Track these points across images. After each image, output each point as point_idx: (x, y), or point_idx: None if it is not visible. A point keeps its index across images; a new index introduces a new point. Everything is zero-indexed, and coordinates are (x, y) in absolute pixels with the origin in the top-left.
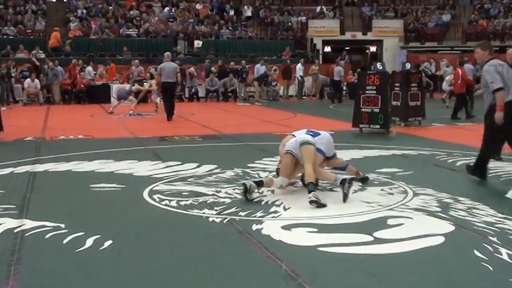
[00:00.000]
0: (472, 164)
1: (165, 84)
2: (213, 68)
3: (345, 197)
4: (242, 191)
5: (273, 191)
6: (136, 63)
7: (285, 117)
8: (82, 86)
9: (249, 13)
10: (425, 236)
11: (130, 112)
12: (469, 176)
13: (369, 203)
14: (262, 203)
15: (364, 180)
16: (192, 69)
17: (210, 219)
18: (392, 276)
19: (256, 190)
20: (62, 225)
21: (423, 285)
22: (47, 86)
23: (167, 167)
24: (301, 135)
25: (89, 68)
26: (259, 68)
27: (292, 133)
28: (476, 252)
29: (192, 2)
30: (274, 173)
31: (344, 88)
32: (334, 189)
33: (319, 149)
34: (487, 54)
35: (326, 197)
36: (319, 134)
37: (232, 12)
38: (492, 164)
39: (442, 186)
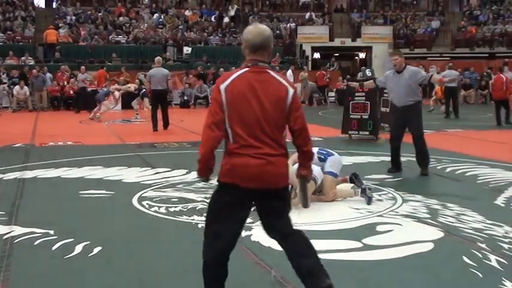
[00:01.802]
0: None
1: (155, 92)
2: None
3: (370, 201)
4: None
5: None
6: (82, 69)
7: None
8: (72, 92)
9: (232, 13)
10: (415, 242)
11: (97, 115)
12: (458, 182)
13: (358, 209)
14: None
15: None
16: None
17: (200, 225)
18: (382, 282)
19: None
20: (51, 232)
21: None
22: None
23: (156, 173)
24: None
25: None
26: None
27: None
28: (465, 259)
29: (181, 8)
30: None
31: (333, 94)
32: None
33: (331, 172)
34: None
35: (315, 204)
36: (332, 155)
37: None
38: (481, 171)
39: (431, 193)
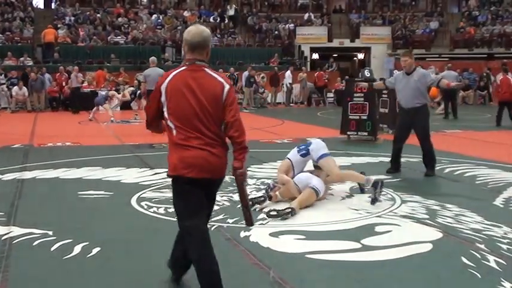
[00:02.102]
0: None
1: (149, 92)
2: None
3: (374, 202)
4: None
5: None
6: (75, 69)
7: (273, 124)
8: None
9: (231, 12)
10: (413, 243)
11: (112, 119)
12: (457, 183)
13: (356, 210)
14: (251, 210)
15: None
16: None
17: None
18: (380, 283)
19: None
20: (50, 233)
21: None
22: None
23: (155, 174)
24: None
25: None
26: (247, 75)
27: (288, 156)
28: (464, 259)
29: (179, 9)
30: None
31: (332, 95)
32: (325, 197)
33: (324, 154)
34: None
35: (314, 205)
36: (311, 144)
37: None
38: (480, 172)
39: (430, 193)
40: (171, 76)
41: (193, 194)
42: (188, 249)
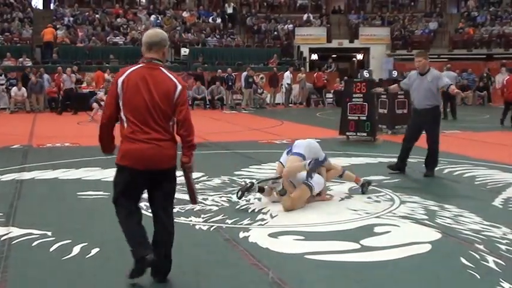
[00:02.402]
0: None
1: None
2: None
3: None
4: (245, 188)
5: (259, 199)
6: (68, 71)
7: (272, 124)
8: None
9: (230, 10)
10: (412, 243)
11: (90, 118)
12: (456, 183)
13: (355, 210)
14: (249, 210)
15: (366, 186)
16: None
17: (197, 227)
18: (379, 284)
19: (253, 193)
20: (49, 233)
21: None
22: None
23: None
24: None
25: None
26: (245, 76)
27: (279, 160)
28: (463, 260)
29: (178, 9)
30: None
31: (331, 95)
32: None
33: (298, 152)
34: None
35: (313, 205)
36: (293, 143)
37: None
38: (479, 172)
39: (429, 194)
40: (128, 71)
41: (133, 184)
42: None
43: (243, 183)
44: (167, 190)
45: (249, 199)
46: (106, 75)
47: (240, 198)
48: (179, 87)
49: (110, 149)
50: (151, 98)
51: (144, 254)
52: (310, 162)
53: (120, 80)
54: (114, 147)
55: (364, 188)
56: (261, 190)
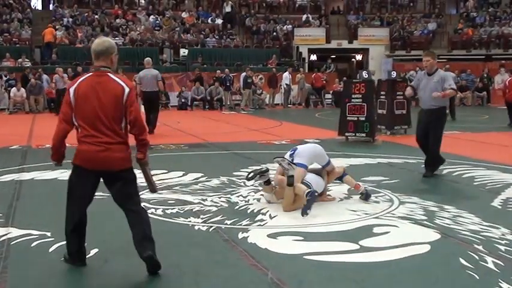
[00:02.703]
0: None
1: (146, 94)
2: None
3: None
4: (260, 171)
5: (258, 200)
6: (59, 71)
7: (271, 125)
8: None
9: (228, 9)
10: (411, 244)
11: None
12: (455, 184)
13: (354, 211)
14: (248, 211)
15: (366, 197)
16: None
17: (196, 227)
18: (378, 284)
19: (260, 180)
20: (48, 234)
21: None
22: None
23: (153, 175)
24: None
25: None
26: (244, 76)
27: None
28: (462, 261)
29: (177, 10)
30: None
31: (330, 96)
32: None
33: (301, 163)
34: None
35: (312, 206)
36: (296, 149)
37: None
38: (478, 173)
39: (428, 195)
40: (79, 80)
41: (84, 182)
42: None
43: (242, 183)
44: (125, 191)
45: (248, 199)
46: None
47: (249, 179)
48: (127, 89)
49: (59, 155)
50: (100, 104)
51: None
52: (309, 192)
53: (72, 89)
54: (63, 156)
55: (363, 197)
56: (268, 182)
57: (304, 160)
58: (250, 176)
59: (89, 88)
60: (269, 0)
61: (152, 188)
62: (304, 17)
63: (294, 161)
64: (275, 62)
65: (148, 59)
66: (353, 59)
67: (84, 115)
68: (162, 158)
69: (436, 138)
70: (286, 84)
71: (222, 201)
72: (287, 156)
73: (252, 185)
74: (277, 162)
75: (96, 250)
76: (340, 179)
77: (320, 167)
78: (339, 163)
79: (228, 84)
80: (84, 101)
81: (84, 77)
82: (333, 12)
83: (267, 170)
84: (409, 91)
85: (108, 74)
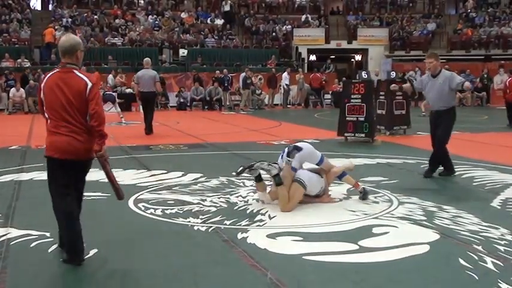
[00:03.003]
0: None
1: (144, 94)
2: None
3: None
4: (248, 165)
5: (258, 200)
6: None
7: (270, 125)
8: None
9: (227, 8)
10: (410, 244)
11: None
12: (454, 184)
13: (353, 211)
14: (248, 211)
15: (364, 196)
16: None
17: (195, 227)
18: (378, 284)
19: (251, 175)
20: (47, 234)
21: None
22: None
23: (152, 175)
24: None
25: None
26: (243, 77)
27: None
28: (461, 261)
29: (177, 10)
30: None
31: (329, 96)
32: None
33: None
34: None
35: (311, 206)
36: (285, 151)
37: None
38: (477, 173)
39: (427, 195)
40: (47, 77)
41: (60, 172)
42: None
43: (241, 184)
44: (81, 178)
45: (248, 200)
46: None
47: (238, 174)
48: (89, 84)
49: None
50: (66, 98)
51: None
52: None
53: (42, 86)
54: None
55: (361, 195)
56: (259, 179)
57: (294, 162)
58: (239, 170)
59: (55, 83)
60: (268, 0)
61: (118, 194)
62: (304, 17)
63: (283, 164)
64: (274, 62)
65: (147, 59)
66: (352, 60)
67: (53, 108)
68: (161, 159)
69: (444, 140)
70: (286, 84)
71: (221, 202)
72: (279, 160)
73: (251, 185)
74: (257, 168)
75: (95, 250)
76: (340, 178)
77: (315, 166)
78: (337, 163)
79: (226, 84)
80: (51, 95)
81: (52, 73)
82: (332, 12)
83: (253, 165)
84: (408, 87)
85: (73, 70)
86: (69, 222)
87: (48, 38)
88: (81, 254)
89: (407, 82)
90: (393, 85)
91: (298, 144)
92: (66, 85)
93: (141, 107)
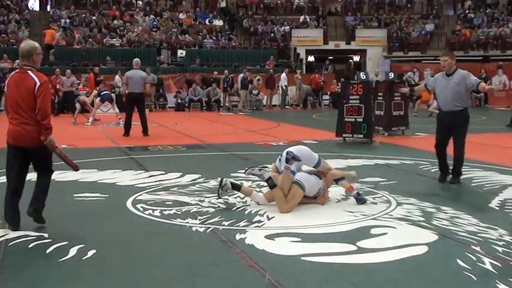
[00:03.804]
0: None
1: (131, 95)
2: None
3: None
4: (218, 184)
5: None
6: (68, 73)
7: (269, 126)
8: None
9: (223, 4)
10: (409, 245)
11: (72, 121)
12: (452, 185)
13: (352, 212)
14: (246, 212)
15: (359, 201)
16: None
17: (194, 228)
18: (376, 285)
19: (229, 191)
20: (45, 235)
21: None
22: None
23: (151, 176)
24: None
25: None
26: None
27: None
28: (460, 262)
29: (175, 11)
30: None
31: (327, 97)
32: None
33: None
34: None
35: (310, 207)
36: (282, 155)
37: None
38: (475, 174)
39: (425, 196)
40: (10, 76)
41: (14, 155)
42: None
43: (239, 184)
44: (37, 162)
45: (246, 201)
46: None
47: (219, 197)
48: (38, 83)
49: None
50: (19, 95)
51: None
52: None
53: (6, 83)
54: None
55: (358, 202)
56: (236, 187)
57: (293, 167)
58: (218, 195)
59: (14, 82)
60: (267, 1)
61: (73, 167)
62: (302, 18)
63: (281, 169)
64: (273, 63)
65: (137, 59)
66: (351, 60)
67: (11, 103)
68: (159, 159)
69: (462, 141)
70: (284, 85)
71: (219, 203)
72: (277, 162)
73: (250, 186)
74: (249, 174)
75: (93, 251)
76: (337, 181)
77: (312, 168)
78: (336, 164)
79: (226, 85)
80: (10, 91)
81: (13, 73)
82: (330, 13)
83: (221, 180)
84: (422, 87)
85: (28, 71)
86: (13, 197)
87: (48, 39)
88: (16, 224)
89: (406, 83)
90: (403, 88)
91: (295, 150)
92: (21, 83)
93: (115, 106)
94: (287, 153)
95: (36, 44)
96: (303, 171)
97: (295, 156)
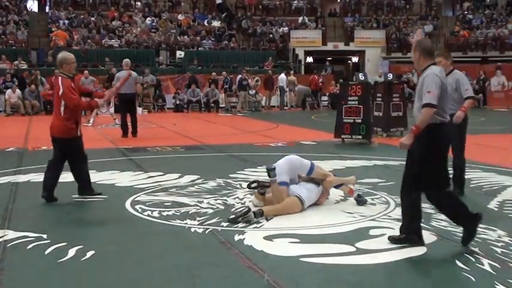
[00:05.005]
0: None
1: (122, 96)
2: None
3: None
4: (243, 212)
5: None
6: (85, 74)
7: (267, 127)
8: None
9: (219, 0)
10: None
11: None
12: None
13: (351, 213)
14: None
15: (359, 203)
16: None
17: (192, 229)
18: (375, 286)
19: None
20: (44, 236)
21: None
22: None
23: (149, 177)
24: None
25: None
26: (240, 78)
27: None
28: (458, 263)
29: (174, 12)
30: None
31: (326, 98)
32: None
33: (282, 181)
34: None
35: (309, 208)
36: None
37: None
38: (474, 175)
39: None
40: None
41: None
42: None
43: (238, 186)
44: None
45: (245, 201)
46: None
47: (233, 222)
48: (61, 90)
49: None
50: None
51: None
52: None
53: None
54: None
55: (358, 203)
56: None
57: (283, 177)
58: (253, 185)
59: (51, 85)
60: (265, 2)
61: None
62: (301, 19)
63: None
64: (271, 64)
65: (127, 60)
66: (349, 61)
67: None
68: (158, 160)
69: (461, 147)
70: (282, 86)
71: (218, 204)
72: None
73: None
74: (253, 188)
75: (92, 252)
76: (337, 187)
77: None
78: (335, 165)
79: (226, 86)
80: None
81: (53, 78)
82: (329, 14)
83: (248, 211)
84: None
85: (59, 77)
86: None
87: (60, 41)
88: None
89: (404, 83)
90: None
91: (284, 161)
92: (54, 87)
93: (112, 108)
94: (266, 168)
95: (68, 56)
96: (302, 184)
97: (269, 168)
